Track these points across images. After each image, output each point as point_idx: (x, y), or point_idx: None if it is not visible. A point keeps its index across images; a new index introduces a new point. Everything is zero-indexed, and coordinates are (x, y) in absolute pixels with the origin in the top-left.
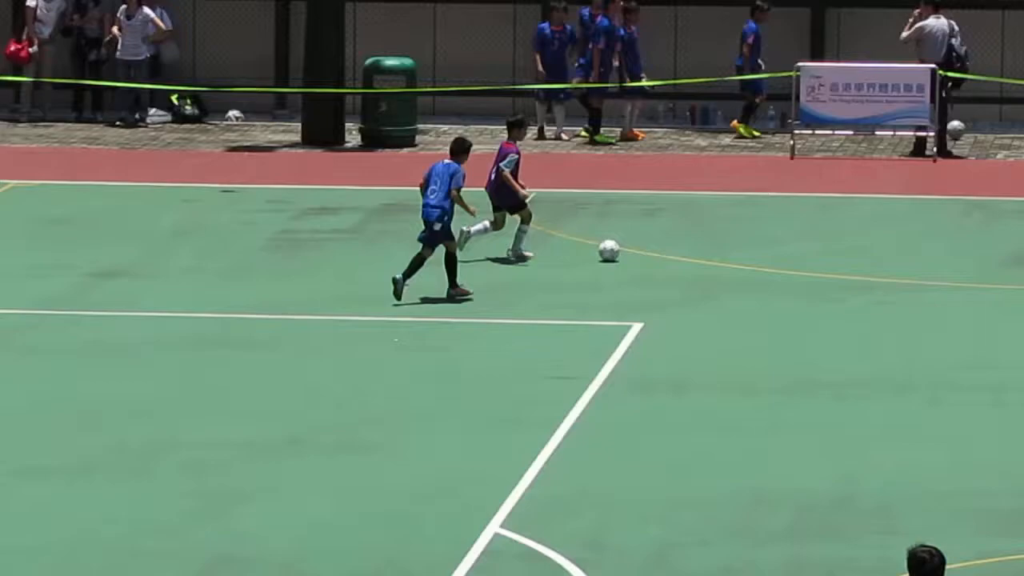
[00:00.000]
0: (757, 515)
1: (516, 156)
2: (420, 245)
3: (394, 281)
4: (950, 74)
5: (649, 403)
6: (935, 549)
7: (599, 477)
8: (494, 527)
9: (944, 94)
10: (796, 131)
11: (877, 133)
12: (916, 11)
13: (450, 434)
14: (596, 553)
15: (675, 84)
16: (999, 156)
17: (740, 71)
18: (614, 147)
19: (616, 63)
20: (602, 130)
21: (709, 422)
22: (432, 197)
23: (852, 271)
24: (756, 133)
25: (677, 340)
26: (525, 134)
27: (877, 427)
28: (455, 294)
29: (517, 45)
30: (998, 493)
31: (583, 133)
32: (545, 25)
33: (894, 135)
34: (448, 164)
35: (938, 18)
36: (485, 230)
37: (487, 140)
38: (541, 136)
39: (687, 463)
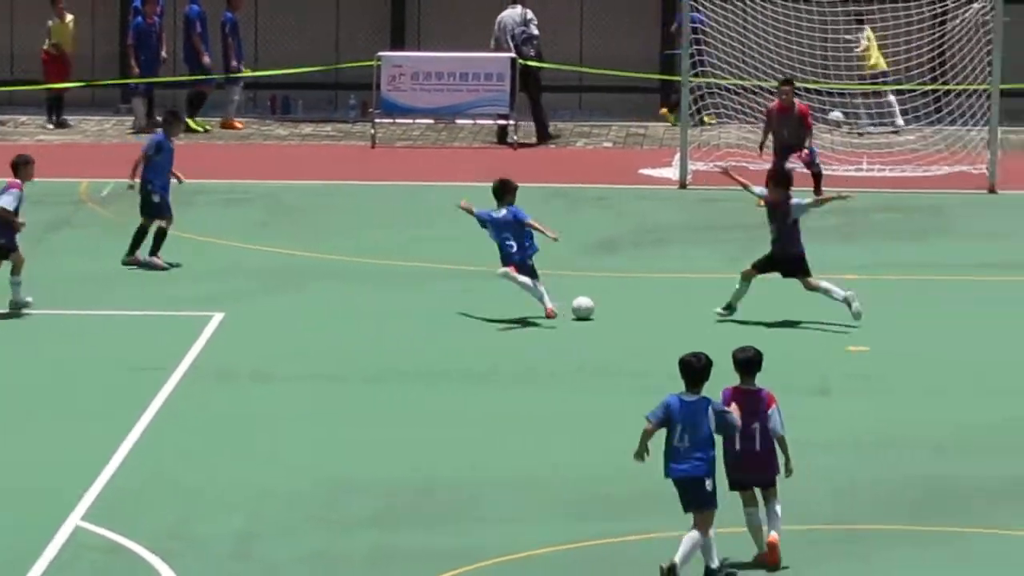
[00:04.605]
0: (342, 503)
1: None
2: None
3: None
4: (530, 63)
5: (232, 393)
6: (701, 353)
7: (182, 468)
8: (75, 519)
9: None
10: (377, 120)
11: (458, 122)
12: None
13: (29, 426)
14: (179, 544)
15: (256, 75)
16: (579, 144)
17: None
18: (195, 136)
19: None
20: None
21: (293, 411)
22: None
23: (435, 259)
24: (207, 127)
25: (260, 329)
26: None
27: (461, 413)
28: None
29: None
30: (580, 478)
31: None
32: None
33: (475, 124)
34: None
35: (514, 7)
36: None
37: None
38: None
39: (271, 452)
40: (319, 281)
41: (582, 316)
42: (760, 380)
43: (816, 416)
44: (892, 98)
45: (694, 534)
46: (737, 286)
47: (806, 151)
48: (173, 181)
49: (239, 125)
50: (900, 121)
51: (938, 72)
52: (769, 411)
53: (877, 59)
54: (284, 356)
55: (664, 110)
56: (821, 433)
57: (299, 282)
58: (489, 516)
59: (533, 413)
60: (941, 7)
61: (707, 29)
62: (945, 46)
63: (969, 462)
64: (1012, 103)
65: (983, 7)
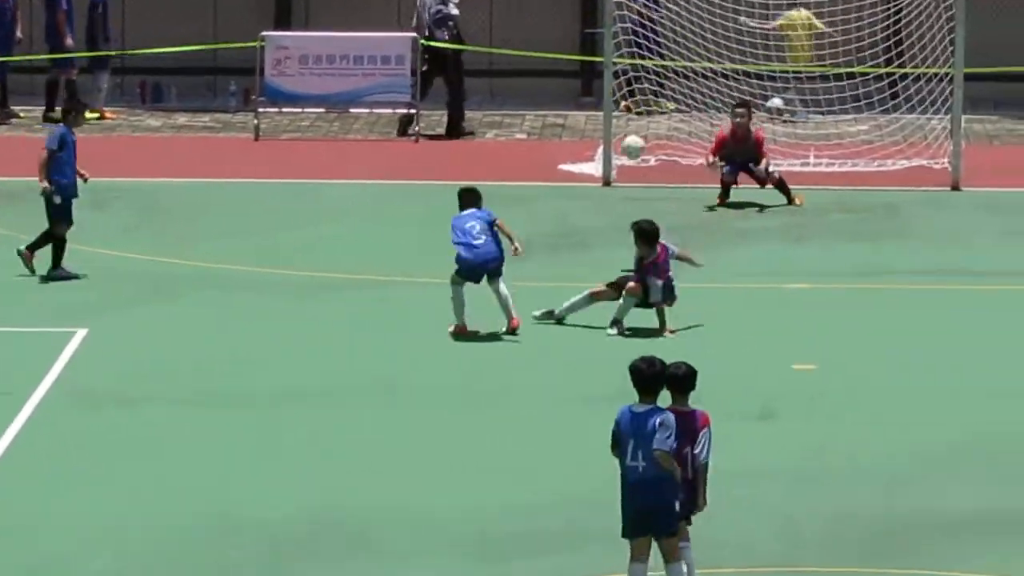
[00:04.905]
0: (220, 543)
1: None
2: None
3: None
4: (433, 43)
5: (96, 419)
6: (654, 358)
7: (39, 504)
8: None
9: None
10: (261, 109)
11: (352, 111)
12: None
13: None
14: None
15: (124, 54)
16: (489, 136)
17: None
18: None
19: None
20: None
21: (165, 439)
22: None
23: (326, 267)
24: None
25: (128, 347)
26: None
27: (358, 442)
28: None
29: None
30: (488, 511)
31: None
32: None
33: (371, 113)
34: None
35: None
36: None
37: None
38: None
39: (141, 486)
40: (195, 292)
41: (632, 154)
42: (695, 401)
43: (757, 442)
44: (793, 92)
45: (678, 569)
46: (621, 300)
47: (774, 175)
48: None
49: (110, 115)
50: (802, 114)
51: (894, 54)
52: (700, 434)
53: (798, 50)
54: (155, 377)
55: (625, 103)
56: (762, 462)
57: (173, 293)
58: (385, 554)
59: (436, 439)
60: None
61: (633, 4)
62: (901, 24)
63: (926, 494)
64: (976, 88)
65: None
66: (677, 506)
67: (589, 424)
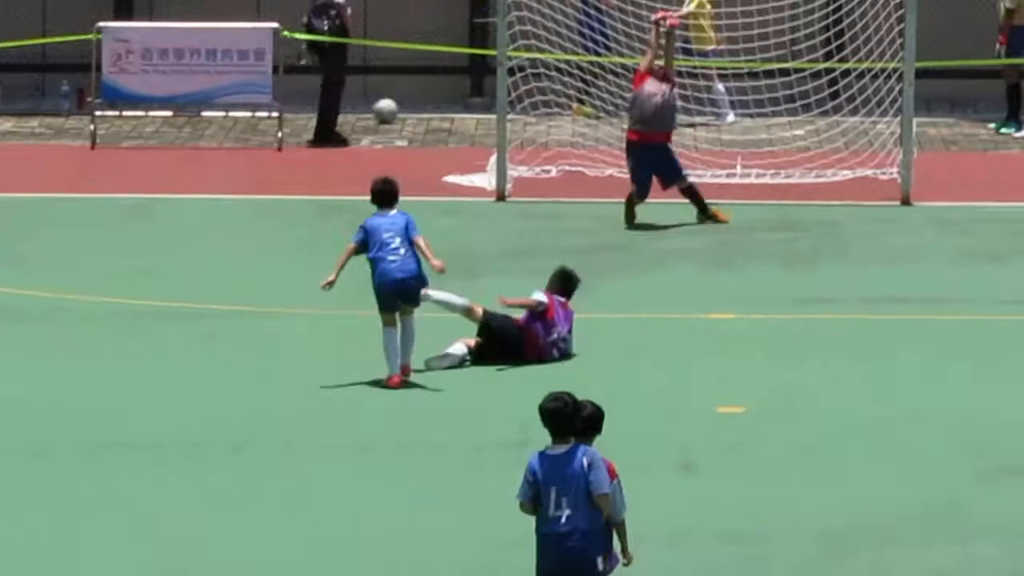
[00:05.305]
0: None
1: None
2: None
3: None
4: (299, 36)
5: None
6: (566, 394)
7: None
8: None
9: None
10: (98, 112)
11: (205, 114)
12: None
13: None
14: None
15: None
16: (364, 143)
17: None
18: None
19: None
20: None
21: None
22: None
23: (175, 295)
24: None
25: None
26: None
27: (197, 505)
28: None
29: None
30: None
31: None
32: None
33: (227, 116)
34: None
35: None
36: None
37: None
38: None
39: None
40: (7, 326)
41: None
42: (600, 448)
43: (676, 498)
44: (721, 86)
45: None
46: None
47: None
48: None
49: None
50: (731, 117)
51: (834, 46)
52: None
53: (708, 32)
54: None
55: (576, 106)
56: (682, 520)
57: None
58: None
59: (295, 502)
60: None
61: None
62: (843, 11)
63: (870, 557)
64: (930, 86)
65: None
66: (600, 563)
67: (484, 478)
